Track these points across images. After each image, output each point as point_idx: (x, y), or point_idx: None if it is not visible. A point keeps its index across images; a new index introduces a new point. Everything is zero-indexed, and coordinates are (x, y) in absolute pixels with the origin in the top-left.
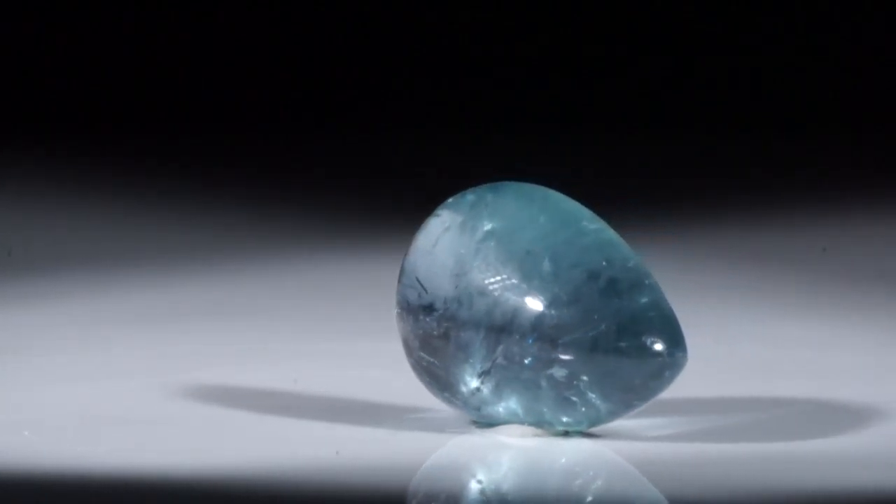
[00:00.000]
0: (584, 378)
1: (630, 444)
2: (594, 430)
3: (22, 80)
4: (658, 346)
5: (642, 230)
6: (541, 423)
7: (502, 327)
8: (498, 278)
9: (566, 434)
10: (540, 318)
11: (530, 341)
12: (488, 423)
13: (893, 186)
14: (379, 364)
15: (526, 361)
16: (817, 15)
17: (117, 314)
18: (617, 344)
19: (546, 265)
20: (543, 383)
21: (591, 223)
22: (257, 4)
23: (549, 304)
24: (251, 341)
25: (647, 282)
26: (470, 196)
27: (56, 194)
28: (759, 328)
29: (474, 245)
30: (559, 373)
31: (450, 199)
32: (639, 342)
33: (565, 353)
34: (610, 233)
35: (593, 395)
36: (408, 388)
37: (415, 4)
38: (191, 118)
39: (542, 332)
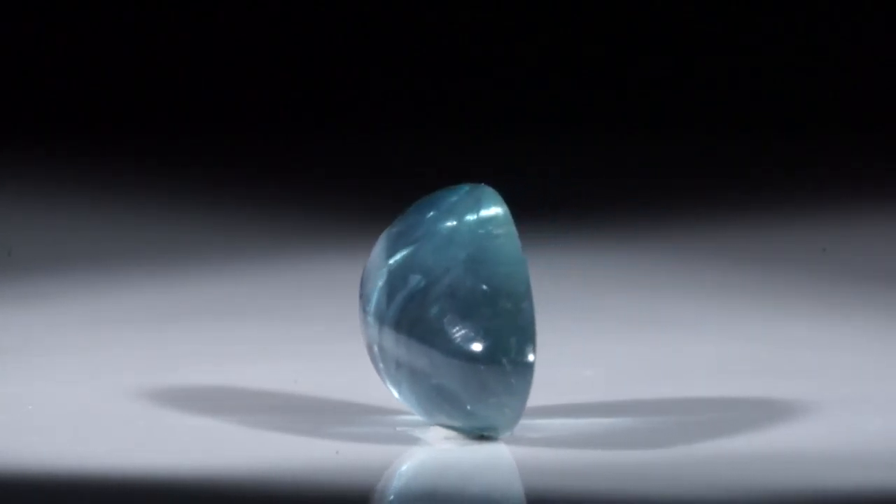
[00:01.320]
0: (462, 383)
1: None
2: (518, 435)
3: (22, 80)
4: (529, 357)
5: (642, 230)
6: (458, 430)
7: (398, 323)
8: (413, 278)
9: (482, 438)
10: (426, 320)
11: (415, 343)
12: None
13: (893, 186)
14: None
15: (411, 365)
16: (817, 15)
17: (117, 314)
18: (483, 349)
19: (441, 268)
20: (431, 390)
21: (497, 227)
22: (257, 4)
23: (440, 307)
24: (251, 341)
25: (522, 290)
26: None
27: (56, 194)
28: (759, 328)
29: (386, 248)
30: (444, 384)
31: None
32: (507, 349)
33: (443, 357)
34: (511, 240)
35: (491, 400)
36: None
37: (415, 4)
38: (191, 118)
39: (423, 335)
